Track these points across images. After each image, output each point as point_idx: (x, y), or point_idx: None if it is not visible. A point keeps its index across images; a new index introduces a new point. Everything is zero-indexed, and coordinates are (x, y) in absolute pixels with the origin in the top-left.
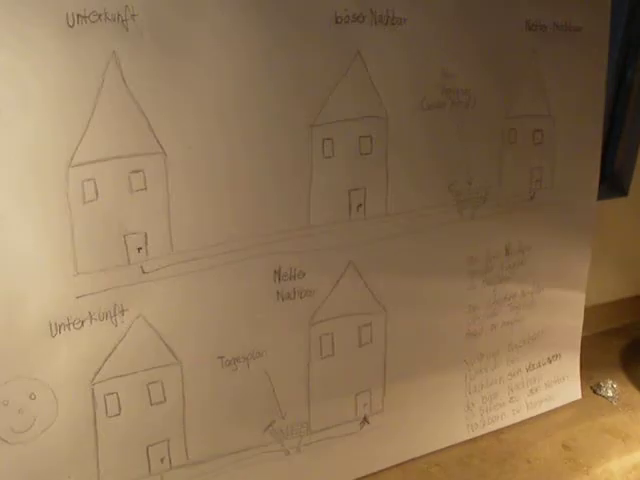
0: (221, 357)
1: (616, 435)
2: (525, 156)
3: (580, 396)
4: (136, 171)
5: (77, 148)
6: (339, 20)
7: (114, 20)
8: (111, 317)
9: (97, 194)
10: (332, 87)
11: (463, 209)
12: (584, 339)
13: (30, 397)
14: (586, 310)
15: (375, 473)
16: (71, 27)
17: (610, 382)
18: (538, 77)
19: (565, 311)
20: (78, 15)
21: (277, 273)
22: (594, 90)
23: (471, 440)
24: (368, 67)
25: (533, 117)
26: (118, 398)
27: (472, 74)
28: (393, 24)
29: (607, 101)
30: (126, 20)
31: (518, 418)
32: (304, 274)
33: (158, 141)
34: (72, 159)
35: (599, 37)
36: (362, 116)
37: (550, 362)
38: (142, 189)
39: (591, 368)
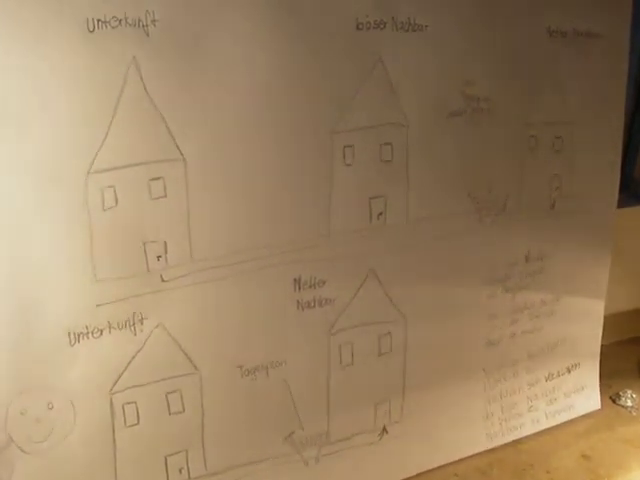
0: (240, 366)
1: (636, 445)
2: (545, 163)
3: (599, 406)
4: (156, 178)
5: (97, 155)
6: (360, 27)
7: (134, 25)
8: (130, 326)
9: (117, 201)
10: (353, 94)
11: (483, 217)
12: (602, 348)
13: (48, 406)
14: (605, 319)
15: None
16: (92, 32)
17: (629, 392)
18: (559, 84)
19: (584, 320)
20: (99, 20)
21: (297, 282)
22: (614, 97)
23: (490, 450)
24: (389, 74)
25: (553, 124)
26: (137, 408)
27: (493, 81)
28: (414, 31)
29: (627, 108)
30: (147, 25)
31: (537, 428)
32: (324, 283)
33: (178, 148)
34: (92, 166)
35: (619, 44)
36: (383, 123)
37: (569, 371)
38: (162, 196)
39: (610, 378)
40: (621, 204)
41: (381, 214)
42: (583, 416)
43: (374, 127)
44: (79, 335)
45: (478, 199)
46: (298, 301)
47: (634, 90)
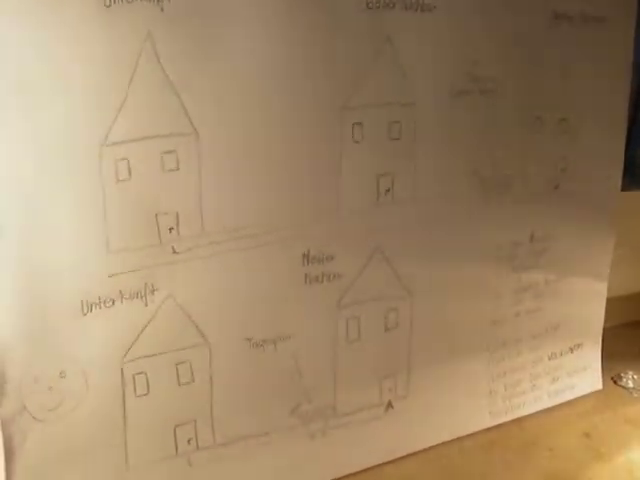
0: (249, 339)
1: (637, 426)
2: (550, 145)
3: (601, 386)
4: (169, 151)
5: (111, 127)
6: (370, 5)
7: (150, 0)
8: (142, 297)
9: (130, 173)
10: (363, 72)
11: (489, 196)
12: (605, 331)
13: (60, 375)
14: (607, 302)
15: (399, 458)
16: (108, 7)
17: (631, 373)
18: (564, 66)
19: (587, 301)
20: None
21: (306, 256)
22: (619, 81)
23: (493, 427)
24: (398, 53)
25: (559, 106)
26: (147, 378)
27: (499, 62)
28: (423, 11)
29: (631, 92)
30: (161, 0)
31: (539, 406)
32: (332, 257)
33: (191, 122)
34: (106, 138)
35: (625, 28)
36: (392, 102)
37: (572, 351)
38: (174, 169)
39: (612, 359)
40: (624, 187)
41: (388, 191)
42: (585, 396)
43: (383, 105)
44: (91, 305)
45: (484, 179)
46: (306, 275)
47: (638, 72)
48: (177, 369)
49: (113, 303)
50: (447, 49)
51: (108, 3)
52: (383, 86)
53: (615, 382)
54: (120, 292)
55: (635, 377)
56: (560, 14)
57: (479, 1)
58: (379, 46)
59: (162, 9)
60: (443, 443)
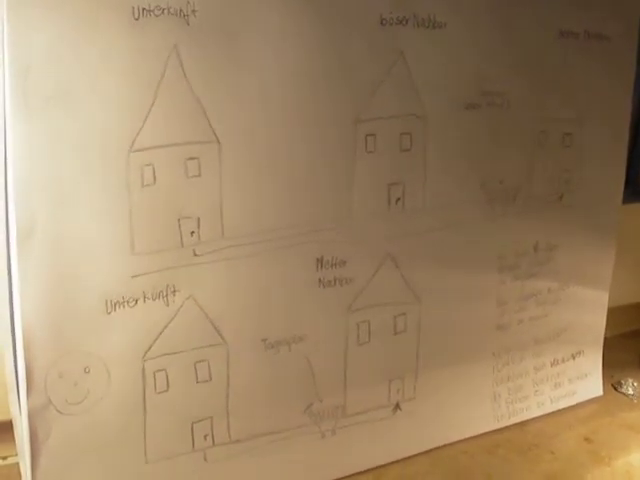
0: (264, 340)
1: (636, 430)
2: (555, 158)
3: (602, 392)
4: (192, 158)
5: (138, 134)
6: (384, 22)
7: (176, 15)
8: (163, 297)
9: (155, 179)
10: (376, 85)
11: (495, 207)
12: (606, 340)
13: (85, 371)
14: (608, 311)
15: (406, 458)
16: (137, 20)
17: (631, 380)
18: (569, 83)
19: (589, 309)
20: (143, 9)
21: (319, 261)
22: (621, 97)
23: (497, 430)
24: (410, 68)
25: (563, 121)
26: (167, 375)
27: (507, 78)
28: (434, 28)
29: (633, 108)
30: (187, 15)
31: (542, 411)
32: (345, 263)
33: (214, 130)
34: (133, 145)
35: (628, 46)
36: (403, 114)
37: (574, 358)
38: (197, 176)
39: (612, 367)
40: (625, 200)
41: (399, 200)
42: (586, 402)
43: (395, 117)
44: (115, 304)
45: (490, 190)
46: (320, 279)
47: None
48: (196, 367)
49: (136, 303)
50: (457, 64)
51: (137, 16)
52: (395, 99)
53: (615, 389)
54: (143, 292)
55: (635, 384)
56: (565, 32)
57: (488, 19)
58: (392, 61)
59: (188, 23)
60: (449, 444)
